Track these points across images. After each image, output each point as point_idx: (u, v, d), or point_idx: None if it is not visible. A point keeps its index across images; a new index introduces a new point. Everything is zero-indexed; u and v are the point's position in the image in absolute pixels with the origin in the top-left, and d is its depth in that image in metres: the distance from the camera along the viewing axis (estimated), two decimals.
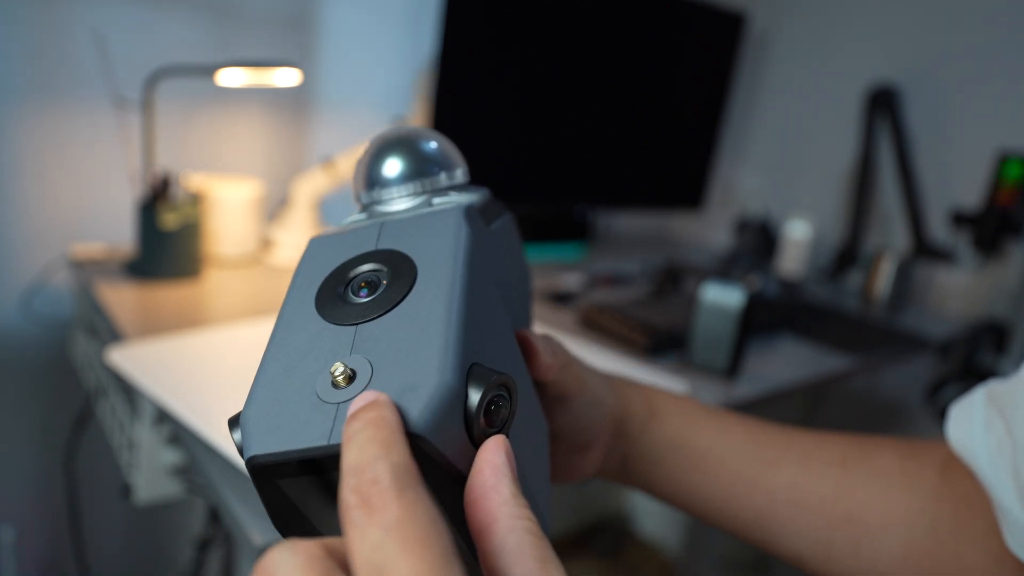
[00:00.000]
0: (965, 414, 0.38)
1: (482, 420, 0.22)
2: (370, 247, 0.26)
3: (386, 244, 0.26)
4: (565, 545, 1.66)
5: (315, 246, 0.28)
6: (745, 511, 0.40)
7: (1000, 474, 0.34)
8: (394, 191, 0.30)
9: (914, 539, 0.38)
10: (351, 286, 0.25)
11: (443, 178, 0.30)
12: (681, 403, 0.43)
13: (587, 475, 0.41)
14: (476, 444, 0.22)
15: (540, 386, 0.35)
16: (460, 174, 0.31)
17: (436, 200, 0.29)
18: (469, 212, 0.27)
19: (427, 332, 0.22)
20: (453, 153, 0.31)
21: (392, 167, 0.30)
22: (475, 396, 0.21)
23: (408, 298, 0.23)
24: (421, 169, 0.30)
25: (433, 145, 0.30)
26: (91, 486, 1.15)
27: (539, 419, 0.32)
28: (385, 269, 0.25)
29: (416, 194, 0.30)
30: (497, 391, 0.22)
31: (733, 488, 0.40)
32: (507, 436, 0.23)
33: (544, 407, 0.36)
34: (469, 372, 0.22)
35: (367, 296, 0.24)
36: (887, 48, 1.54)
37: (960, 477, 0.38)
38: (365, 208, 0.31)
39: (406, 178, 0.29)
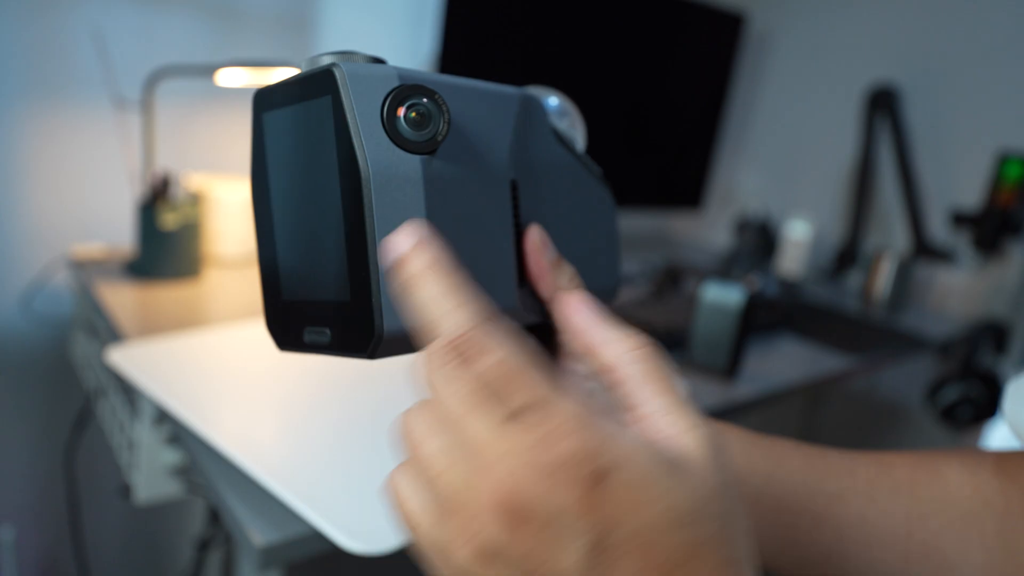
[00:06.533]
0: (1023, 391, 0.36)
1: (400, 113, 0.25)
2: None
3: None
4: None
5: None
6: (812, 551, 0.37)
7: None
8: None
9: (993, 564, 0.35)
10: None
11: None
12: (728, 432, 0.38)
13: None
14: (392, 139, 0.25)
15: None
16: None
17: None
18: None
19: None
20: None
21: None
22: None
23: None
24: None
25: None
26: (91, 486, 1.15)
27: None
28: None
29: None
30: (414, 95, 0.25)
31: (796, 528, 0.36)
32: (435, 154, 0.25)
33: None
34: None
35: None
36: (887, 48, 1.54)
37: (1015, 478, 0.36)
38: None
39: None
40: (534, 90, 0.33)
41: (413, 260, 0.23)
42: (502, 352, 0.21)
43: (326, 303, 0.26)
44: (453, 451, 0.21)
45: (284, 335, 0.29)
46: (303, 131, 0.27)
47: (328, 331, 0.27)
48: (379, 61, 0.26)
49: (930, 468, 0.38)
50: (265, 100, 0.28)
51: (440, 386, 0.21)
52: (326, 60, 0.26)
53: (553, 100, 0.32)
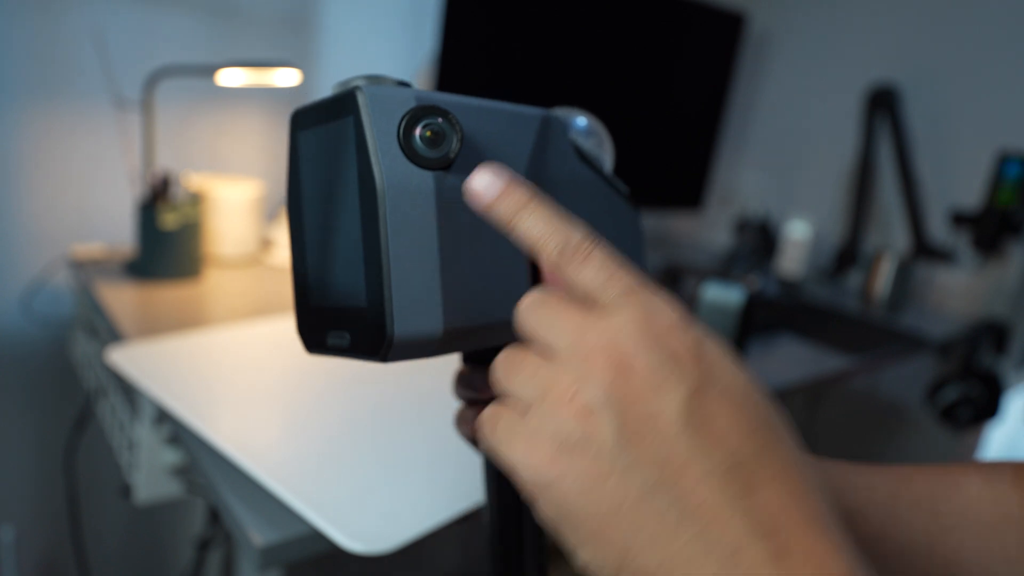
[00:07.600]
0: None
1: (418, 133, 0.27)
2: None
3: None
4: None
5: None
6: None
7: None
8: None
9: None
10: None
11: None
12: None
13: None
14: (411, 159, 0.27)
15: None
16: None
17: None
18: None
19: None
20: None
21: None
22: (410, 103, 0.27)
23: None
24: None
25: None
26: (91, 486, 1.15)
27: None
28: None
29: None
30: (429, 115, 0.27)
31: None
32: (448, 170, 0.27)
33: None
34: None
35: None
36: (887, 48, 1.54)
37: None
38: None
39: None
40: (563, 111, 0.34)
41: (513, 195, 0.26)
42: (605, 249, 0.26)
43: (346, 309, 0.29)
44: (569, 331, 0.24)
45: (311, 338, 0.31)
46: (330, 149, 0.29)
47: (347, 335, 0.29)
48: (405, 84, 0.29)
49: (949, 481, 0.38)
50: (300, 120, 0.31)
51: (574, 277, 0.25)
52: (354, 83, 0.28)
53: (581, 120, 0.34)
